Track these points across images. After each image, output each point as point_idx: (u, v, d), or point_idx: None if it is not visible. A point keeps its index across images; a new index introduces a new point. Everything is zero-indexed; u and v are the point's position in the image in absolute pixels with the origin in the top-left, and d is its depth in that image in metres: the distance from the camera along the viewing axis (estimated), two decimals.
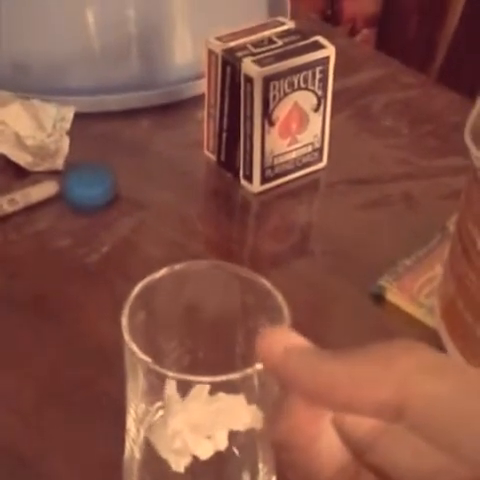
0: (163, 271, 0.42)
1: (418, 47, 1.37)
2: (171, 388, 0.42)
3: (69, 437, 0.49)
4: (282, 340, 0.34)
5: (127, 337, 0.40)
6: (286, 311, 0.42)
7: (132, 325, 0.41)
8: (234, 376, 0.38)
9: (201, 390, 0.42)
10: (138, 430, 0.46)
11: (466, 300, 0.51)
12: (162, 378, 0.39)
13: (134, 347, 0.39)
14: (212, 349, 0.47)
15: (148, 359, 0.39)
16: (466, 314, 0.51)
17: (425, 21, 1.37)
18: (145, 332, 0.43)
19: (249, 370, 0.38)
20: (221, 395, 0.42)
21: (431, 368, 0.30)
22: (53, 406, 0.51)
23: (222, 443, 0.41)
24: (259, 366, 0.38)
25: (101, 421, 0.50)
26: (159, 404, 0.47)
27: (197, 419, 0.41)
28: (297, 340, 0.34)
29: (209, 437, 0.42)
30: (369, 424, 0.31)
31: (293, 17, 0.85)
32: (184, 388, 0.42)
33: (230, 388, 0.40)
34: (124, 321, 0.40)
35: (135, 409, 0.44)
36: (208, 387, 0.41)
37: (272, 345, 0.33)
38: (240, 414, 0.41)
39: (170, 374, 0.39)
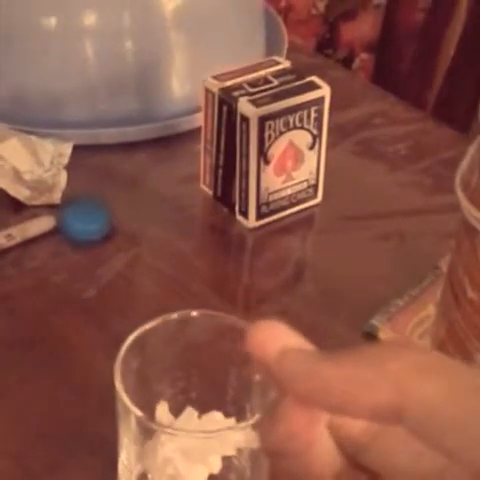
0: (156, 321, 0.43)
1: (416, 73, 1.38)
2: (162, 410, 0.43)
3: (61, 479, 0.50)
4: (277, 339, 0.33)
5: (119, 388, 0.40)
6: None
7: (125, 371, 0.42)
8: (226, 431, 0.38)
9: (191, 415, 0.42)
10: (131, 472, 0.46)
11: (456, 345, 0.51)
12: (152, 431, 0.40)
13: (126, 399, 0.40)
14: (204, 390, 0.47)
15: (139, 413, 0.39)
16: (456, 358, 0.51)
17: (423, 48, 1.39)
18: (138, 375, 0.43)
19: (240, 425, 0.38)
20: (212, 415, 0.42)
21: (425, 368, 0.30)
22: (45, 447, 0.51)
23: (216, 467, 0.42)
24: (247, 424, 0.38)
25: (93, 462, 0.50)
26: None
27: (188, 445, 0.41)
28: (292, 338, 0.33)
29: (201, 462, 0.42)
30: (364, 425, 0.31)
31: (290, 46, 0.86)
32: (175, 412, 0.43)
33: None
34: (117, 371, 0.41)
35: (127, 455, 0.45)
36: (195, 415, 0.42)
37: (266, 344, 0.33)
38: (232, 437, 0.41)
39: (160, 428, 0.39)
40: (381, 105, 0.84)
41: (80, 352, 0.58)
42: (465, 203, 0.45)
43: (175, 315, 0.43)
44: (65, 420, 0.53)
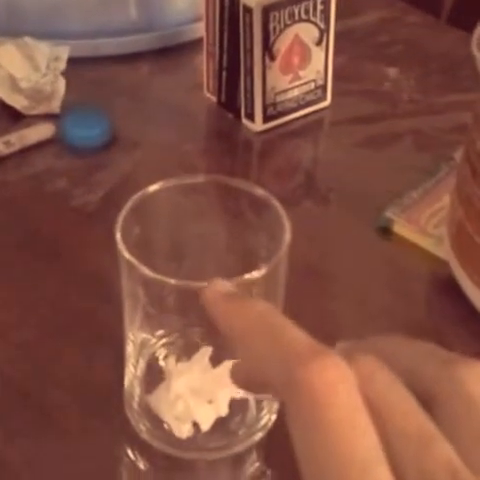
0: (158, 184, 0.40)
1: None
2: (170, 364, 0.41)
3: (70, 368, 0.48)
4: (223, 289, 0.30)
5: (123, 249, 0.38)
6: (287, 224, 0.41)
7: (127, 244, 0.39)
8: (235, 279, 0.36)
9: (203, 356, 0.40)
10: (137, 360, 0.45)
11: (475, 222, 0.49)
12: (161, 288, 0.38)
13: (132, 259, 0.37)
14: (209, 273, 0.45)
15: (147, 269, 0.37)
16: (476, 237, 0.49)
17: None
18: (141, 253, 0.41)
19: (247, 276, 0.36)
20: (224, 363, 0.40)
21: None
22: (53, 338, 0.50)
23: (223, 409, 0.40)
24: (257, 274, 0.36)
25: (101, 351, 0.49)
26: (159, 332, 0.45)
27: (199, 384, 0.40)
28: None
29: (210, 402, 0.40)
30: None
31: None
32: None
33: None
34: (118, 235, 0.39)
35: (135, 336, 0.43)
36: (209, 353, 0.40)
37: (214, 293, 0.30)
38: None
39: (172, 281, 0.37)
40: (391, 10, 0.81)
41: (86, 249, 0.56)
42: None
43: (177, 178, 0.41)
44: (75, 312, 0.51)
